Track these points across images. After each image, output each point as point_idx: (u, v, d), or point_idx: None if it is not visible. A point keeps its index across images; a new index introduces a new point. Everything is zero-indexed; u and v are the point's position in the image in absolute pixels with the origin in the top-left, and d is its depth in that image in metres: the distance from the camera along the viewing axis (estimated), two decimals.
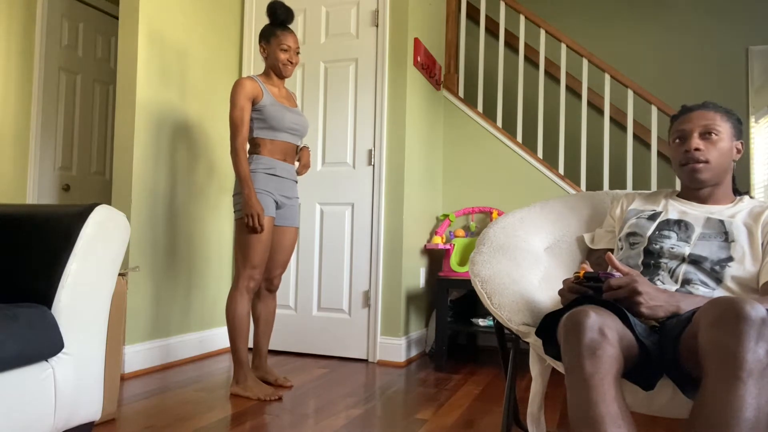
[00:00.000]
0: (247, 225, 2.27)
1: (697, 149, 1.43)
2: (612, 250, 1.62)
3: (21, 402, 1.24)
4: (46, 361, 1.33)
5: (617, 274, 1.24)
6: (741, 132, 1.49)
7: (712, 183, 1.47)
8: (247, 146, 2.39)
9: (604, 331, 1.08)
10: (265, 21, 3.32)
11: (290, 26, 3.14)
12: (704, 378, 1.01)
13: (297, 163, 2.55)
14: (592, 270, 1.29)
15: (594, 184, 4.05)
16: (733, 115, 1.49)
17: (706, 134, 1.44)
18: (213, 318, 3.25)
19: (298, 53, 2.44)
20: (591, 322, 1.09)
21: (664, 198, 1.58)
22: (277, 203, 2.42)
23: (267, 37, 2.44)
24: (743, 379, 0.95)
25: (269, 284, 2.53)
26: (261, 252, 2.34)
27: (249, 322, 2.39)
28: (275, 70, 2.44)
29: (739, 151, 1.48)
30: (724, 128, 1.44)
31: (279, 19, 2.42)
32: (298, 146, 2.54)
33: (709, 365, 1.00)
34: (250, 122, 2.42)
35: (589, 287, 1.27)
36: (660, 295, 1.21)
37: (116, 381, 1.94)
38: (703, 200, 1.50)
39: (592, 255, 1.68)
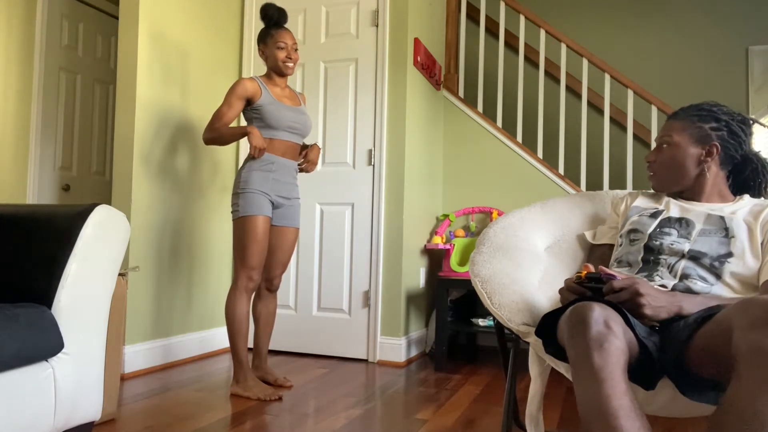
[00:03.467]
0: (255, 155, 2.33)
1: (648, 162, 1.58)
2: (613, 247, 1.62)
3: (21, 402, 1.24)
4: (46, 361, 1.33)
5: (619, 276, 1.24)
6: (711, 135, 1.48)
7: (669, 188, 1.57)
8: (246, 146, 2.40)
9: (609, 324, 1.08)
10: None
11: (287, 26, 3.14)
12: (735, 380, 0.98)
13: (301, 160, 2.54)
14: (594, 271, 1.29)
15: (594, 184, 4.05)
16: (699, 119, 1.50)
17: (661, 145, 1.56)
18: (213, 318, 3.25)
19: (296, 50, 2.44)
20: (596, 315, 1.09)
21: (666, 197, 1.59)
22: (273, 203, 2.42)
23: (264, 38, 2.45)
24: None
25: (269, 284, 2.53)
26: (258, 252, 2.34)
27: (248, 322, 2.39)
28: (276, 70, 2.44)
29: (709, 153, 1.48)
30: (679, 137, 1.52)
31: (272, 20, 2.43)
32: (300, 145, 2.54)
33: (743, 368, 0.98)
34: (249, 122, 2.43)
35: (590, 288, 1.26)
36: (662, 296, 1.21)
37: (116, 381, 1.94)
38: (697, 199, 1.52)
39: (594, 251, 1.68)
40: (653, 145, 3.35)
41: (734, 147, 1.49)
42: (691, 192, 1.54)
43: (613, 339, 1.06)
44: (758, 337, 0.98)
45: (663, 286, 1.36)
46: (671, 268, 1.39)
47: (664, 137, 1.54)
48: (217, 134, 2.36)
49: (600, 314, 1.09)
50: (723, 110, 1.51)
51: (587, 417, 1.04)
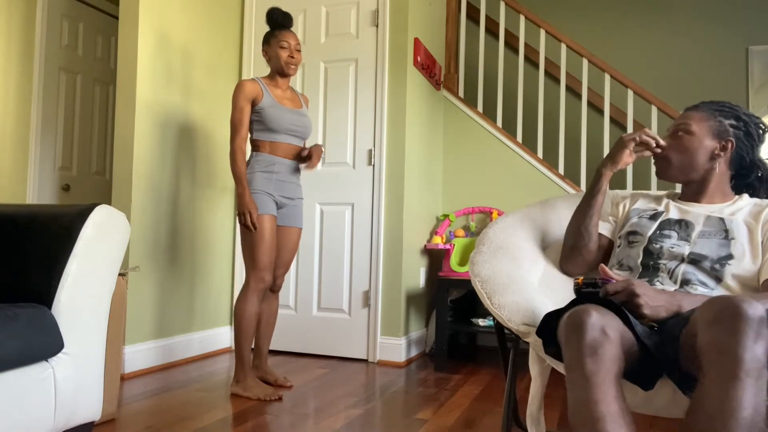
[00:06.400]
0: (241, 223, 2.32)
1: (660, 146, 1.52)
2: (612, 243, 1.62)
3: (21, 402, 1.24)
4: (46, 361, 1.33)
5: (617, 278, 1.24)
6: (729, 131, 1.48)
7: (675, 177, 1.53)
8: (249, 147, 2.41)
9: (605, 331, 1.08)
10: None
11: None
12: (701, 377, 1.01)
13: (303, 164, 2.52)
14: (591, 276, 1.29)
15: None
16: (720, 114, 1.49)
17: (676, 132, 1.51)
18: (213, 318, 3.24)
19: (299, 51, 2.45)
20: (593, 321, 1.09)
21: (666, 198, 1.59)
22: (277, 204, 2.43)
23: (267, 40, 2.46)
24: (741, 379, 0.95)
25: (272, 284, 2.53)
26: (267, 252, 2.34)
27: (256, 323, 2.40)
28: (278, 70, 2.44)
29: (723, 148, 1.48)
30: (697, 127, 1.48)
31: (277, 23, 2.44)
32: (301, 147, 2.53)
33: (706, 364, 1.00)
34: (250, 124, 2.43)
35: (587, 293, 1.26)
36: (660, 295, 1.21)
37: (116, 381, 1.94)
38: (698, 199, 1.51)
39: None
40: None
41: (746, 149, 1.49)
42: (695, 188, 1.52)
43: (608, 346, 1.07)
44: (716, 333, 0.99)
45: None
46: (671, 273, 1.39)
47: (681, 125, 1.51)
48: (233, 160, 2.33)
49: (597, 320, 1.09)
50: (744, 111, 1.51)
51: (575, 420, 1.05)
